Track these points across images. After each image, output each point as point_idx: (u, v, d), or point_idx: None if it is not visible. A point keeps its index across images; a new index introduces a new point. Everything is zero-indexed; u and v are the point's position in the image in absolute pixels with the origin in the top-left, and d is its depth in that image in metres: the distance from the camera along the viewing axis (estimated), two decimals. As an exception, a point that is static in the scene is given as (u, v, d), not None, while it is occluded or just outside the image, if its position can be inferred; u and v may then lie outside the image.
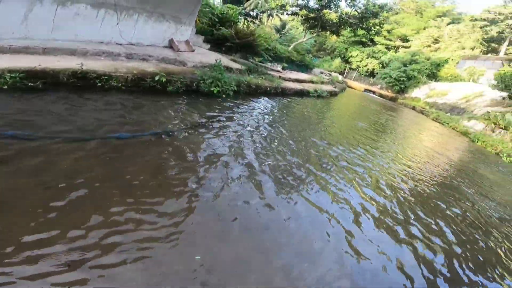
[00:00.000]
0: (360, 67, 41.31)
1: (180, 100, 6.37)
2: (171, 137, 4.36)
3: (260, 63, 13.54)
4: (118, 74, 5.81)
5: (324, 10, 22.38)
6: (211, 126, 5.28)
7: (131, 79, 5.98)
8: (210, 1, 14.53)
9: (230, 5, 18.17)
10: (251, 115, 6.91)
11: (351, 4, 22.01)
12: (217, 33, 13.33)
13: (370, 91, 34.80)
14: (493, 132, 16.40)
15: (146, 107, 5.38)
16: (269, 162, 4.45)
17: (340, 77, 30.79)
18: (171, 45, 9.28)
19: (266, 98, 9.63)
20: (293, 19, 27.90)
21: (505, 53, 34.83)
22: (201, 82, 7.15)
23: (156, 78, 6.18)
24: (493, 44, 37.21)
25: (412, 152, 8.59)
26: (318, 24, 23.46)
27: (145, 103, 5.57)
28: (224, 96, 7.59)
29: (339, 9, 22.54)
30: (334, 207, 3.81)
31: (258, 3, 41.53)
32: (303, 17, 23.42)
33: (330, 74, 27.11)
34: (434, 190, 5.69)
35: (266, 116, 7.35)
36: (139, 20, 8.17)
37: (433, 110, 24.88)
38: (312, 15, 22.68)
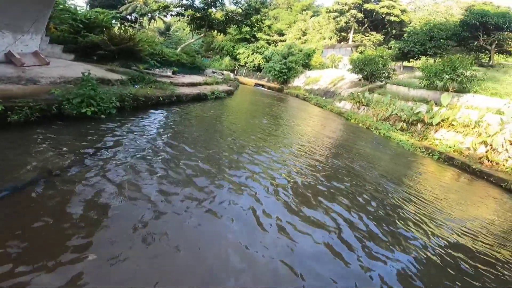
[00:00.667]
0: (247, 63, 43.87)
1: (33, 132, 4.67)
2: (21, 194, 3.01)
3: (147, 70, 12.03)
4: None
5: (210, 9, 22.26)
6: (87, 164, 4.03)
7: None
8: (70, 7, 11.98)
9: (100, 9, 15.44)
10: (144, 135, 5.85)
11: (236, 1, 22.85)
12: (84, 41, 11.01)
13: (260, 85, 37.51)
14: (359, 109, 20.41)
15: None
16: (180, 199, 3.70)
17: (231, 75, 31.78)
18: (10, 60, 6.86)
19: (160, 110, 8.53)
20: (179, 20, 26.60)
21: (352, 41, 43.84)
22: (64, 103, 5.51)
23: None
24: (343, 33, 45.93)
25: (307, 139, 9.48)
26: (205, 24, 23.15)
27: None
28: (103, 116, 6.16)
29: (224, 7, 22.93)
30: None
31: (136, 6, 37.56)
32: (189, 18, 22.64)
33: (222, 73, 27.52)
34: (331, 169, 6.40)
35: (163, 133, 6.41)
36: None
37: (312, 96, 29.02)
38: (198, 14, 22.15)
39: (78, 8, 13.52)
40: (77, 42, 10.85)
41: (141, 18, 34.49)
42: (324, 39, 47.03)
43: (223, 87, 17.40)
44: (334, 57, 39.19)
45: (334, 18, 44.96)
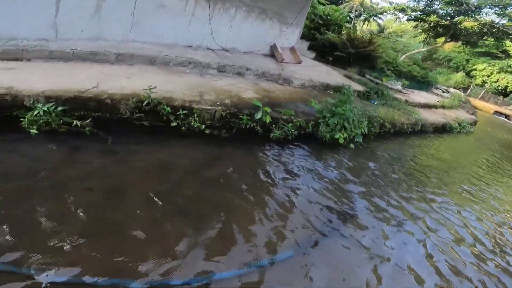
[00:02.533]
0: (487, 83, 32.20)
1: (288, 155, 3.73)
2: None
3: (376, 80, 9.99)
4: (202, 107, 3.51)
5: (460, 17, 17.12)
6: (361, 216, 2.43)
7: (221, 116, 3.61)
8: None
9: (335, 7, 14.85)
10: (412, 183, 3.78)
11: (501, 12, 16.48)
12: (322, 38, 10.39)
13: (502, 114, 26.47)
14: None
15: (235, 178, 2.91)
16: None
17: (462, 95, 23.99)
18: (272, 53, 6.79)
19: (397, 139, 6.25)
20: (415, 26, 22.59)
21: None
22: (320, 122, 4.37)
23: (257, 116, 3.68)
24: None
25: None
26: (448, 33, 18.24)
27: (229, 165, 3.11)
28: (352, 146, 4.65)
29: (479, 16, 17.09)
30: None
31: (353, 6, 36.42)
32: (430, 24, 18.46)
33: (447, 91, 21.20)
34: None
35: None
36: (236, 16, 5.88)
37: None
38: (444, 22, 17.57)
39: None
40: (315, 39, 10.34)
41: (355, 19, 32.77)
42: None
43: (464, 114, 12.51)
44: None
45: None
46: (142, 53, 4.30)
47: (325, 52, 10.44)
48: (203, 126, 3.46)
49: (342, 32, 14.02)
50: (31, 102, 2.64)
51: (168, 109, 3.25)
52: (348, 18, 13.97)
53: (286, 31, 7.01)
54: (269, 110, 3.79)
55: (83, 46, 3.86)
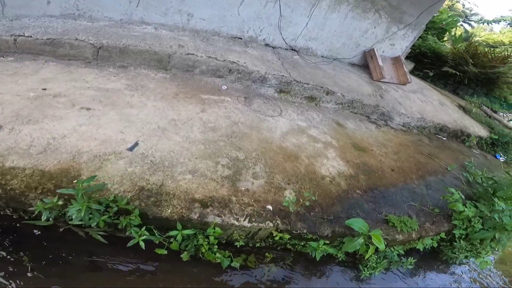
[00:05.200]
0: None
1: None
2: None
3: (502, 118, 6.88)
4: (230, 221, 1.46)
5: None
6: None
7: (267, 236, 1.54)
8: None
9: (442, 8, 11.05)
10: None
11: None
12: (422, 45, 7.53)
13: None
14: None
15: None
16: None
17: None
18: (366, 63, 4.35)
19: None
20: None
21: None
22: (458, 237, 2.07)
23: (351, 248, 1.56)
24: None
25: None
26: None
27: None
28: None
29: None
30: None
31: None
32: None
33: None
34: None
35: None
36: (323, 0, 3.54)
37: None
38: None
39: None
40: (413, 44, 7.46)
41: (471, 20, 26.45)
42: None
43: None
44: None
45: None
46: (146, 47, 2.32)
47: (424, 63, 7.57)
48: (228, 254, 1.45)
49: (445, 38, 10.55)
50: None
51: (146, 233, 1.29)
52: (455, 23, 10.37)
53: (397, 33, 4.43)
54: (380, 238, 1.58)
55: (43, 29, 2.02)
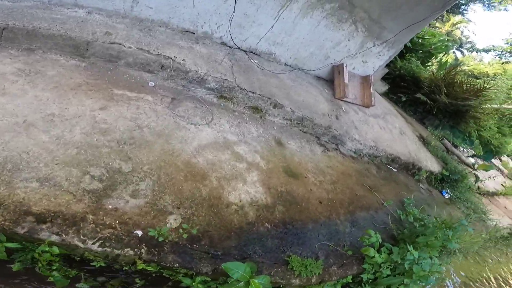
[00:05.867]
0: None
1: None
2: None
3: (462, 154, 7.00)
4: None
5: None
6: None
7: None
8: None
9: (433, 31, 10.98)
10: None
11: None
12: (403, 67, 7.48)
13: None
14: None
15: None
16: None
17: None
18: (332, 78, 4.17)
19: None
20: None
21: None
22: (365, 281, 1.96)
23: None
24: None
25: None
26: None
27: None
28: None
29: None
30: None
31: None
32: None
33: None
34: None
35: None
36: (294, 3, 3.29)
37: None
38: None
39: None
40: (390, 64, 7.39)
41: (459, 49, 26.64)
42: None
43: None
44: None
45: None
46: (61, 31, 1.99)
47: (400, 86, 7.55)
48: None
49: (433, 63, 10.61)
50: None
51: None
52: (447, 49, 10.43)
53: (371, 49, 4.26)
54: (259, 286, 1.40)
55: None
